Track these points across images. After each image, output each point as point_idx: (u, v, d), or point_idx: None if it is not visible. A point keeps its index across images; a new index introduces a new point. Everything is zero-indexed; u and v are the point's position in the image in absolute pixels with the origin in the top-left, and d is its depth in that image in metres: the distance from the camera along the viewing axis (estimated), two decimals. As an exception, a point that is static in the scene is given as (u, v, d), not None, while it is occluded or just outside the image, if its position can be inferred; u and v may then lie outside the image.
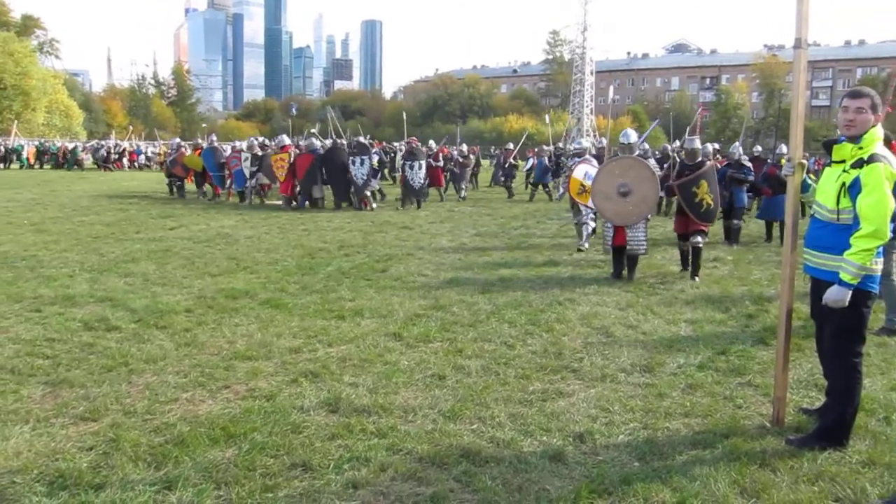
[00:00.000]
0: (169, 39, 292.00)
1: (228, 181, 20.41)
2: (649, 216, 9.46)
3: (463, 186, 23.16)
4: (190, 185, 22.21)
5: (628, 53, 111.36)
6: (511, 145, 26.23)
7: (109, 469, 3.65)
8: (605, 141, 14.62)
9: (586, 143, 13.33)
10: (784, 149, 13.48)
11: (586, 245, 11.87)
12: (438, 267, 9.98)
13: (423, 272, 9.54)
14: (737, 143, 14.20)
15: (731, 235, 13.12)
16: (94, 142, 48.67)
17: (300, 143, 21.05)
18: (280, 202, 18.80)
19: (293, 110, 29.01)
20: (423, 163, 19.16)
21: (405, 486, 3.55)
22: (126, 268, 9.47)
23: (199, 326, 6.56)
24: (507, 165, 24.13)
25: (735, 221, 13.09)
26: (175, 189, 21.90)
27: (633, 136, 9.82)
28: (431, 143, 24.94)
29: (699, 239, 9.37)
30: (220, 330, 6.47)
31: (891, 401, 4.89)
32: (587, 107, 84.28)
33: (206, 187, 21.36)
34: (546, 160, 22.55)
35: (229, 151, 21.34)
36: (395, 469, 3.72)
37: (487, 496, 3.46)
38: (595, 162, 11.68)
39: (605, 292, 8.45)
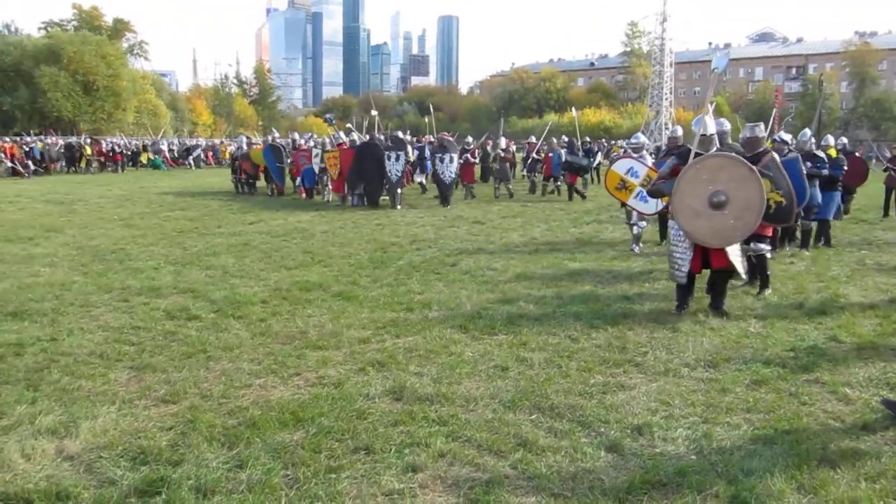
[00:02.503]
0: (251, 39, 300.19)
1: (298, 179, 20.78)
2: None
3: (509, 184, 21.69)
4: (260, 183, 22.71)
5: (709, 44, 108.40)
6: (533, 138, 24.62)
7: (186, 448, 3.91)
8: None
9: (644, 138, 12.22)
10: None
11: (637, 249, 11.15)
12: (508, 261, 10.07)
13: (492, 266, 9.65)
14: (806, 131, 12.58)
15: (802, 238, 11.47)
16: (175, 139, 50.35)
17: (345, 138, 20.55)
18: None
19: (331, 120, 28.69)
20: (455, 156, 18.62)
21: (462, 472, 3.69)
22: (207, 261, 9.89)
23: (273, 317, 6.84)
24: (529, 160, 22.88)
25: (805, 222, 11.27)
26: (245, 186, 22.24)
27: (711, 124, 7.40)
28: (503, 140, 24.42)
29: (761, 246, 7.99)
30: (294, 320, 6.73)
31: (966, 400, 4.74)
32: (666, 99, 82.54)
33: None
34: (563, 153, 21.34)
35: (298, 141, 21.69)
36: (453, 455, 3.85)
37: (541, 483, 3.56)
38: (648, 160, 11.02)
39: (674, 288, 8.37)
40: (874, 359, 5.72)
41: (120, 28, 72.23)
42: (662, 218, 11.25)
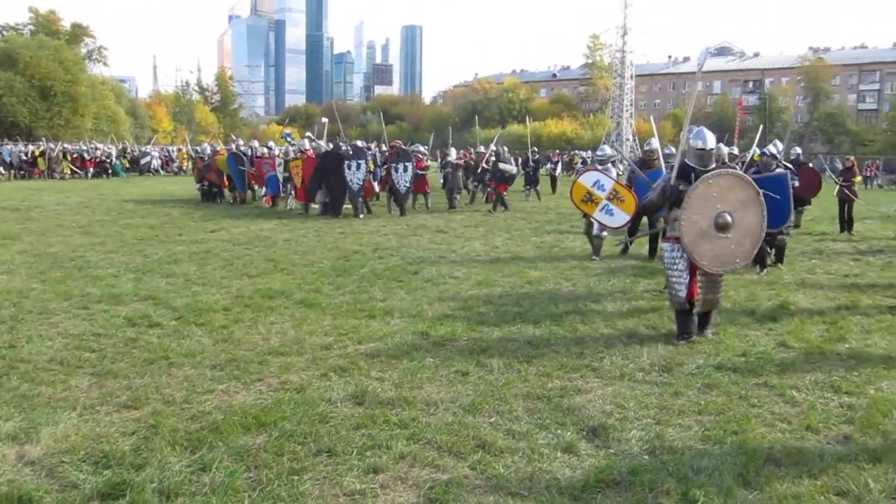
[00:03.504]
0: (213, 46, 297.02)
1: (263, 188, 20.70)
2: None
3: (458, 194, 21.42)
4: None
5: (669, 57, 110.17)
6: (482, 148, 23.06)
7: (149, 452, 3.93)
8: (667, 148, 12.46)
9: (609, 150, 12.27)
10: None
11: (597, 258, 11.27)
12: (469, 269, 10.19)
13: (454, 274, 9.76)
14: (776, 142, 12.42)
15: (778, 253, 10.92)
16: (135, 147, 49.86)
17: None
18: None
19: (287, 137, 28.41)
20: (410, 165, 18.55)
21: (422, 472, 3.78)
22: (168, 268, 9.85)
23: (235, 324, 6.86)
24: (478, 170, 21.36)
25: (781, 237, 10.72)
26: (210, 196, 22.03)
27: (711, 138, 6.84)
28: (452, 150, 24.31)
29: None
30: (256, 327, 6.76)
31: (905, 401, 4.96)
32: (626, 111, 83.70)
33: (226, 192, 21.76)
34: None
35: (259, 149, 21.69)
36: (413, 456, 3.94)
37: (499, 483, 3.67)
38: (613, 172, 11.07)
39: (632, 295, 8.58)
40: (821, 363, 5.94)
41: (78, 33, 71.03)
42: (654, 235, 11.02)
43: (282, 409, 4.59)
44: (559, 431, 4.36)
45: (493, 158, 20.65)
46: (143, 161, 41.61)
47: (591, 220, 10.85)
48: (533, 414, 4.65)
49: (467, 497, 3.51)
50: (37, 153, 35.74)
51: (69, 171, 35.92)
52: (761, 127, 17.42)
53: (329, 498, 3.49)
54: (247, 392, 5.00)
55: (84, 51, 70.78)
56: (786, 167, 11.25)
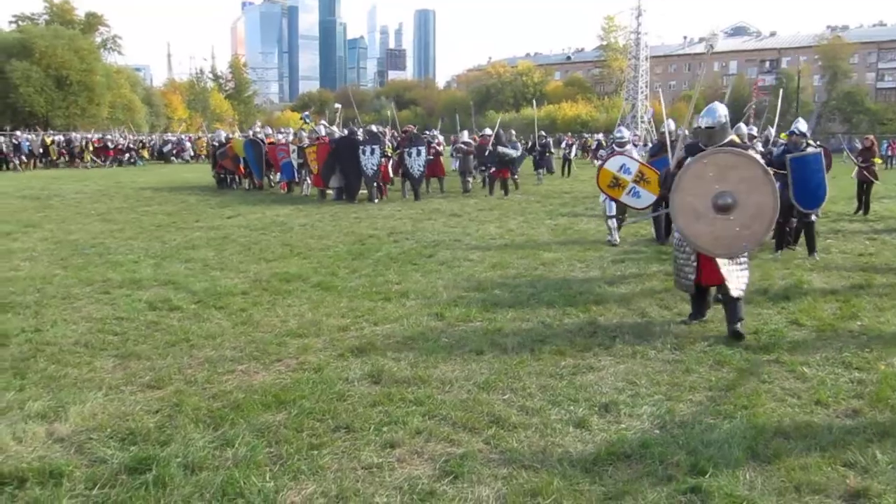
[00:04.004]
0: (226, 33, 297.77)
1: (278, 174, 20.86)
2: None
3: (470, 177, 21.33)
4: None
5: (684, 38, 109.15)
6: (488, 130, 22.57)
7: (173, 429, 4.07)
8: (678, 129, 10.78)
9: (627, 132, 12.14)
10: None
11: (617, 239, 11.18)
12: (484, 252, 10.27)
13: (468, 257, 9.84)
14: (800, 120, 11.41)
15: (808, 242, 10.15)
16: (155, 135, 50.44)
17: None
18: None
19: (307, 118, 28.34)
20: (423, 149, 18.60)
21: (437, 447, 3.88)
22: (187, 254, 10.00)
23: (254, 307, 6.99)
24: (486, 153, 20.30)
25: (808, 218, 10.04)
26: (225, 182, 22.35)
27: (721, 112, 6.37)
28: (465, 133, 24.31)
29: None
30: (274, 310, 6.89)
31: (917, 378, 5.01)
32: (642, 93, 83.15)
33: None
34: (519, 146, 21.53)
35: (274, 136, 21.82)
36: (429, 432, 4.05)
37: (513, 456, 3.77)
38: (635, 154, 10.96)
39: (646, 276, 8.64)
40: (832, 340, 5.99)
41: (92, 22, 71.35)
42: (662, 219, 10.96)
43: (300, 388, 4.71)
44: (571, 407, 4.45)
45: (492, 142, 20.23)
46: (165, 149, 42.00)
47: (618, 203, 10.77)
48: (546, 391, 4.74)
49: (481, 470, 3.61)
50: (48, 142, 36.32)
51: (90, 160, 36.53)
52: (772, 111, 16.54)
53: (347, 471, 3.60)
54: (266, 372, 5.12)
55: (98, 40, 71.14)
56: (819, 145, 10.83)
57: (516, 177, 20.90)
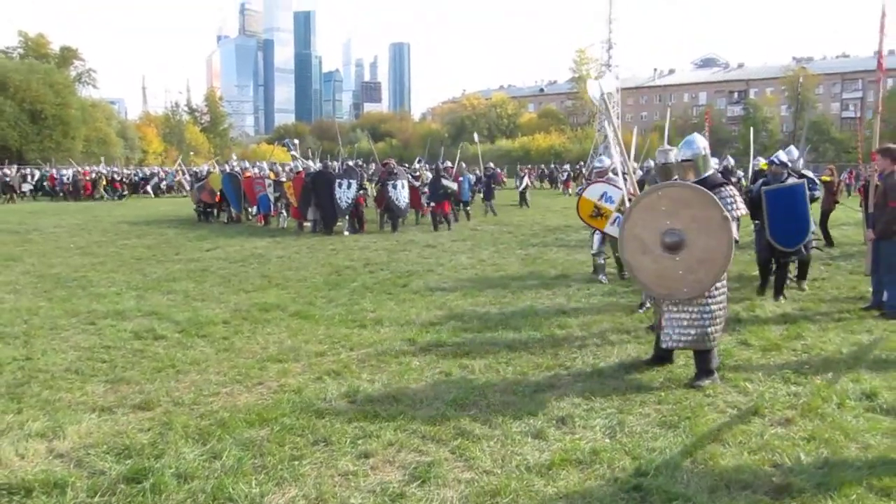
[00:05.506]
0: (202, 66, 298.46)
1: (254, 207, 21.25)
2: (721, 285, 5.76)
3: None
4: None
5: (655, 70, 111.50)
6: (448, 163, 23.10)
7: (165, 444, 4.42)
8: (647, 162, 11.18)
9: (608, 160, 11.07)
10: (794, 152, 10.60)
11: (605, 279, 10.54)
12: (456, 282, 10.70)
13: (441, 286, 10.26)
14: (791, 148, 11.05)
15: (800, 270, 10.01)
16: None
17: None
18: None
19: (291, 146, 29.01)
20: (406, 182, 18.98)
21: (408, 456, 4.28)
22: (168, 286, 10.33)
23: (235, 335, 7.35)
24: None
25: (805, 253, 9.62)
26: (203, 216, 22.69)
27: (700, 143, 6.09)
28: (416, 164, 24.80)
29: None
30: (255, 338, 7.25)
31: (847, 390, 5.48)
32: (609, 125, 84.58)
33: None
34: (472, 178, 22.06)
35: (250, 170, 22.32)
36: (400, 444, 4.45)
37: (475, 463, 4.18)
38: (619, 182, 9.61)
39: (608, 304, 9.09)
40: (776, 358, 6.47)
41: (67, 56, 71.68)
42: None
43: (282, 407, 5.08)
44: (531, 421, 4.86)
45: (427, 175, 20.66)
46: (151, 183, 42.40)
47: (602, 234, 10.18)
48: (508, 406, 5.15)
49: (447, 475, 4.01)
50: (87, 178, 38.12)
51: (104, 195, 37.55)
52: (743, 142, 16.62)
53: (325, 478, 3.98)
54: (249, 394, 5.49)
55: (73, 73, 71.46)
56: (801, 175, 9.96)
57: (468, 208, 21.55)
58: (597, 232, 10.34)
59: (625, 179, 7.84)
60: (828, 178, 17.26)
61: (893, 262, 8.17)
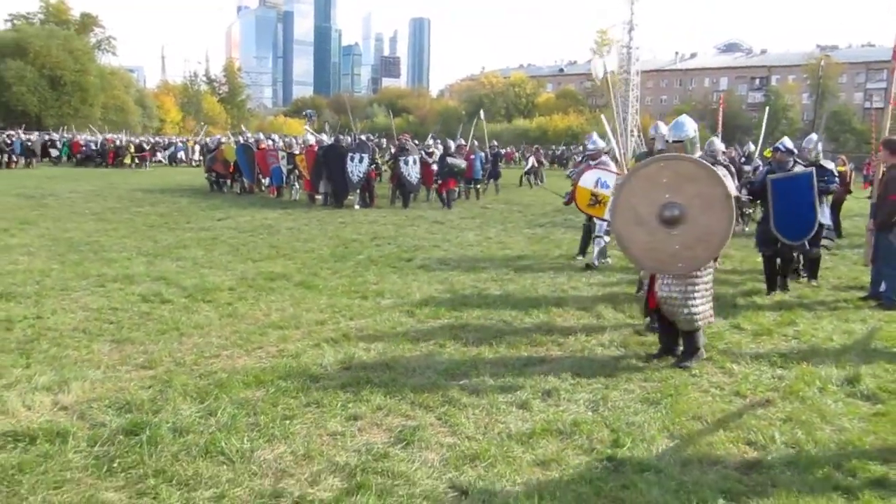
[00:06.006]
0: (221, 37, 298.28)
1: (267, 179, 21.46)
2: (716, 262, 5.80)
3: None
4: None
5: (676, 53, 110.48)
6: (462, 141, 23.46)
7: (164, 401, 4.62)
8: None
9: (601, 142, 10.84)
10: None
11: (597, 262, 10.23)
12: (460, 258, 10.85)
13: (445, 262, 10.43)
14: (812, 136, 10.50)
15: (810, 267, 9.57)
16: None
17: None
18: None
19: (311, 117, 29.47)
20: (418, 158, 19.11)
21: (395, 420, 4.46)
22: (178, 253, 10.55)
23: (239, 301, 7.55)
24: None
25: (814, 249, 9.19)
26: (216, 185, 22.97)
27: (689, 126, 6.17)
28: (429, 140, 24.76)
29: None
30: (258, 305, 7.45)
31: (830, 376, 5.59)
32: (632, 106, 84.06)
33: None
34: (483, 157, 22.17)
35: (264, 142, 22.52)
36: (388, 408, 4.63)
37: (459, 429, 4.35)
38: (612, 166, 10.00)
39: (608, 283, 9.22)
40: (766, 343, 6.59)
41: (87, 22, 71.88)
42: (587, 230, 10.74)
43: (278, 371, 5.28)
44: (518, 392, 5.02)
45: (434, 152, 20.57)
46: (170, 151, 42.90)
47: (596, 221, 10.08)
48: (497, 378, 5.32)
49: (430, 438, 4.19)
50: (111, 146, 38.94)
51: (132, 162, 38.12)
52: (758, 127, 13.82)
53: (314, 437, 4.16)
54: (248, 357, 5.68)
55: (93, 40, 71.66)
56: (819, 166, 9.38)
57: (479, 187, 21.78)
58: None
59: (615, 161, 7.86)
60: (841, 168, 17.26)
61: (891, 254, 8.24)
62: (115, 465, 3.73)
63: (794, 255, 9.03)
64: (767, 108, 27.41)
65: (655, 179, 5.54)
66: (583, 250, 10.93)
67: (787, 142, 9.20)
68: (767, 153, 10.77)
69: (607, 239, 10.15)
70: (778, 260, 8.87)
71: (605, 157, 10.34)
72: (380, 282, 8.81)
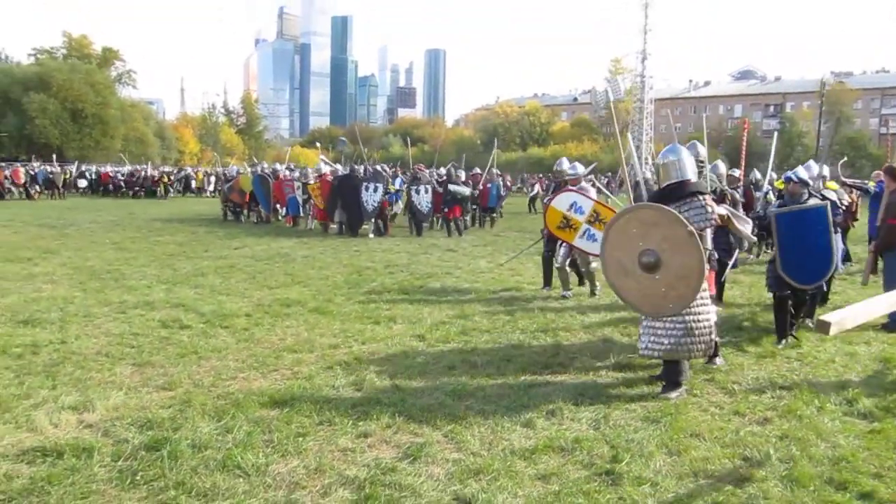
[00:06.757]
0: (239, 69, 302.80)
1: (283, 208, 21.83)
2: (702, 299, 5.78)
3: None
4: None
5: (690, 81, 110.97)
6: (478, 170, 24.23)
7: (184, 419, 4.86)
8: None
9: (581, 168, 10.70)
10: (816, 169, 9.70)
11: (569, 294, 9.99)
12: (472, 284, 11.06)
13: (456, 288, 10.64)
14: (811, 163, 10.09)
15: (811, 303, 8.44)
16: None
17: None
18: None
19: (341, 145, 30.24)
20: (430, 187, 19.32)
21: (403, 437, 4.67)
22: (196, 280, 10.83)
23: (256, 327, 7.79)
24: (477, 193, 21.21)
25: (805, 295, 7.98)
26: (232, 214, 23.44)
27: (681, 151, 6.23)
28: (441, 170, 24.81)
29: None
30: (274, 330, 7.69)
31: (829, 396, 5.73)
32: (646, 134, 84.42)
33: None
34: (500, 186, 22.25)
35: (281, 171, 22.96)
36: (398, 426, 4.83)
37: (465, 445, 4.55)
38: (592, 192, 9.76)
39: (615, 307, 9.36)
40: (768, 364, 6.73)
41: (108, 56, 73.29)
42: (547, 261, 10.51)
43: (293, 392, 5.50)
44: (523, 412, 5.21)
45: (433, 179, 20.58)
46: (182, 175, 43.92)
47: (573, 247, 9.68)
48: (503, 399, 5.51)
49: (436, 454, 4.39)
50: (159, 177, 40.08)
51: (166, 192, 39.06)
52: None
53: (326, 452, 4.38)
54: (264, 379, 5.91)
55: (114, 74, 72.97)
56: (824, 197, 8.67)
57: (494, 215, 22.17)
58: (563, 244, 9.81)
59: (630, 187, 7.94)
60: (851, 198, 17.27)
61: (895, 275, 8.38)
62: (137, 477, 3.96)
63: (807, 298, 8.04)
64: (776, 134, 27.30)
65: (627, 231, 5.77)
66: (547, 282, 10.62)
67: (802, 171, 8.28)
68: (780, 184, 9.96)
69: (594, 266, 9.74)
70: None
71: (584, 184, 10.13)
72: (392, 308, 9.03)
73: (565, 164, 10.70)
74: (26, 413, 4.92)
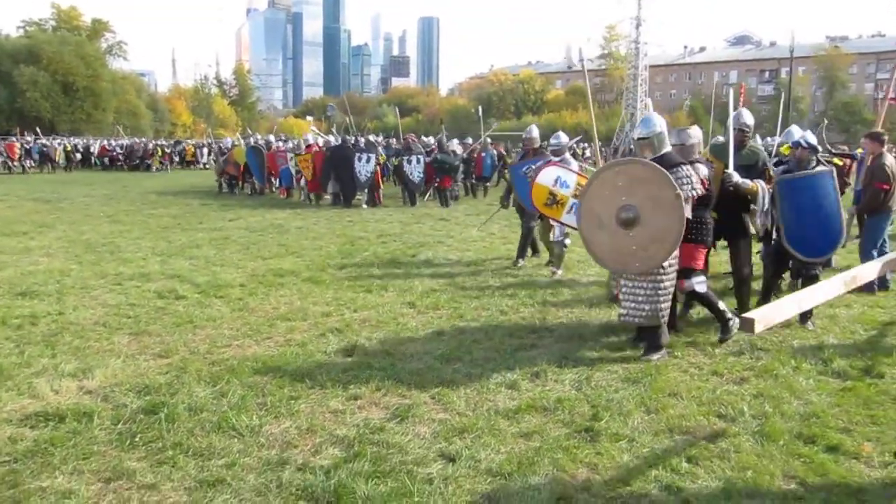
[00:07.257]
0: (231, 39, 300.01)
1: (276, 179, 21.93)
2: (668, 264, 5.78)
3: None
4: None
5: (685, 47, 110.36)
6: (469, 140, 24.09)
7: (180, 385, 5.04)
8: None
9: (565, 138, 10.10)
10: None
11: (560, 272, 9.56)
12: (462, 253, 11.22)
13: (447, 257, 10.80)
14: (792, 128, 9.64)
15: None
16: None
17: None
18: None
19: (331, 111, 30.10)
20: (421, 157, 19.33)
21: (392, 399, 4.85)
22: (190, 252, 10.98)
23: (250, 296, 7.95)
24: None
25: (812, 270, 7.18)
26: (227, 186, 23.49)
27: (657, 122, 6.14)
28: (431, 139, 24.89)
29: (693, 281, 6.33)
30: (267, 299, 7.85)
31: (806, 356, 5.92)
32: (640, 101, 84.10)
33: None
34: (494, 156, 22.24)
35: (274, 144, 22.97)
36: (386, 389, 5.02)
37: (451, 406, 4.74)
38: (574, 165, 9.45)
39: (603, 274, 9.54)
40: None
41: (98, 28, 72.75)
42: (526, 233, 10.37)
43: (286, 358, 5.68)
44: (508, 374, 5.39)
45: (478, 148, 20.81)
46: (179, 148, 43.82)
47: (555, 224, 9.35)
48: (490, 362, 5.70)
49: (423, 415, 4.57)
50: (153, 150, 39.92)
51: (158, 165, 38.82)
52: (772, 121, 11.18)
53: (317, 413, 4.56)
54: (258, 346, 6.08)
55: (104, 46, 72.46)
56: (828, 162, 8.11)
57: (487, 184, 22.19)
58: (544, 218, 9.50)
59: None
60: (838, 162, 17.39)
61: (876, 236, 8.59)
62: (136, 439, 4.14)
63: (817, 272, 7.21)
64: (780, 90, 26.47)
65: (612, 183, 5.77)
66: (521, 254, 10.39)
67: (811, 136, 7.85)
68: (785, 149, 9.15)
69: (568, 242, 9.60)
70: (799, 281, 7.56)
71: (567, 155, 9.68)
72: (384, 276, 9.19)
73: (535, 132, 10.66)
74: (28, 381, 5.09)
